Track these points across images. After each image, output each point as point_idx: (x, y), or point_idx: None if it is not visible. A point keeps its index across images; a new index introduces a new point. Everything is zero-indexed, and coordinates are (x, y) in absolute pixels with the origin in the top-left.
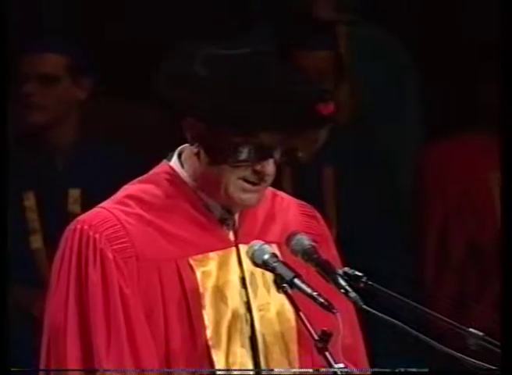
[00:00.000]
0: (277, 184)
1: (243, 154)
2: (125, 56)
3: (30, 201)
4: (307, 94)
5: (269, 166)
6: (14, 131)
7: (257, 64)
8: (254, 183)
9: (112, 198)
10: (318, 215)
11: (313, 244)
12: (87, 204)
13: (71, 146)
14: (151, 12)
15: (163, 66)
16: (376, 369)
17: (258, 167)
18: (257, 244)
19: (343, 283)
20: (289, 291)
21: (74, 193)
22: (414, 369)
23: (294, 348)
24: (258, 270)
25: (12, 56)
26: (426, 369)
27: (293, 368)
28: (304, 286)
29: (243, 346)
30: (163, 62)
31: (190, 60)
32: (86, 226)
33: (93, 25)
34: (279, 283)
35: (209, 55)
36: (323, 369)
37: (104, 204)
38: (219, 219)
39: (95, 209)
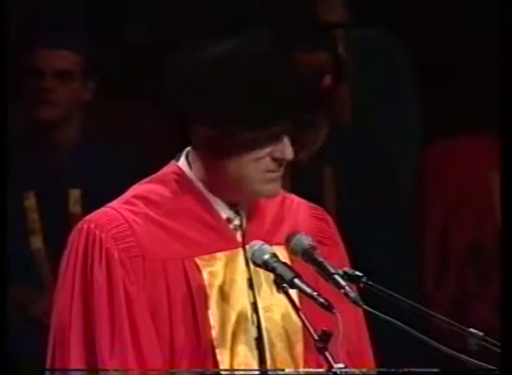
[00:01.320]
0: None
1: (259, 146)
2: (126, 57)
3: (30, 201)
4: (303, 74)
5: (289, 151)
6: (20, 128)
7: (250, 57)
8: (275, 172)
9: (120, 197)
10: (329, 218)
11: (313, 244)
12: (88, 204)
13: (72, 146)
14: (152, 13)
15: (167, 75)
16: (381, 369)
17: (278, 154)
18: (257, 244)
19: (343, 283)
20: (289, 291)
21: (75, 193)
22: (423, 369)
23: (299, 349)
24: (264, 271)
25: (27, 51)
26: (429, 370)
27: (299, 369)
28: (303, 286)
29: (248, 347)
30: (166, 72)
31: (191, 65)
32: (92, 226)
33: (97, 25)
34: (279, 283)
35: (209, 58)
36: (323, 370)
37: (112, 203)
38: (226, 220)
39: (102, 209)
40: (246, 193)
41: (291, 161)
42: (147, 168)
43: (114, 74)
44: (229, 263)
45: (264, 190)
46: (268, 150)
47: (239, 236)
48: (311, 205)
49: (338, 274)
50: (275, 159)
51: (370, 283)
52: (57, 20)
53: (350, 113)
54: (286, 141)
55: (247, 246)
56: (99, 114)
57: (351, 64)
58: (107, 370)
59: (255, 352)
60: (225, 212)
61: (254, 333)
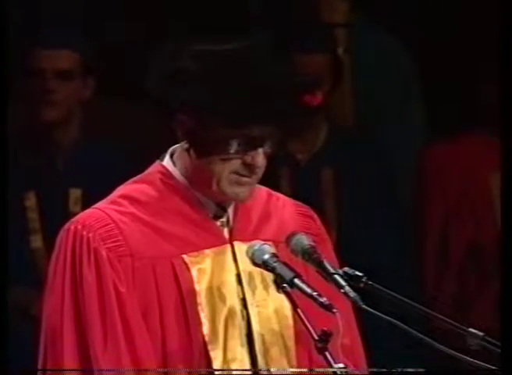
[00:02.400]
0: (276, 185)
1: (233, 147)
2: (126, 55)
3: (30, 200)
4: (294, 85)
5: (259, 158)
6: (20, 129)
7: (244, 57)
8: (244, 176)
9: (106, 198)
10: (315, 214)
11: (313, 244)
12: (88, 204)
13: (72, 146)
14: (152, 12)
15: (152, 64)
16: (374, 369)
17: (249, 159)
18: (257, 244)
19: (343, 283)
20: (289, 290)
21: (75, 193)
22: (413, 369)
23: (291, 344)
24: (254, 267)
25: (27, 52)
26: (426, 370)
27: (291, 365)
28: (303, 286)
29: (240, 342)
30: (151, 60)
31: (177, 56)
32: (79, 226)
33: (95, 24)
34: (279, 283)
35: (197, 51)
36: (323, 369)
37: (98, 204)
38: (213, 216)
39: (89, 210)
40: (214, 191)
41: (293, 161)
42: (146, 167)
43: (114, 73)
44: (217, 260)
45: (230, 191)
46: (239, 153)
47: (226, 232)
48: (296, 202)
49: (338, 274)
50: (245, 164)
51: (370, 283)
52: (56, 20)
53: (351, 114)
54: (260, 150)
55: (241, 243)
56: (99, 114)
57: (353, 65)
58: (102, 370)
59: (247, 347)
60: (211, 209)
61: (244, 328)
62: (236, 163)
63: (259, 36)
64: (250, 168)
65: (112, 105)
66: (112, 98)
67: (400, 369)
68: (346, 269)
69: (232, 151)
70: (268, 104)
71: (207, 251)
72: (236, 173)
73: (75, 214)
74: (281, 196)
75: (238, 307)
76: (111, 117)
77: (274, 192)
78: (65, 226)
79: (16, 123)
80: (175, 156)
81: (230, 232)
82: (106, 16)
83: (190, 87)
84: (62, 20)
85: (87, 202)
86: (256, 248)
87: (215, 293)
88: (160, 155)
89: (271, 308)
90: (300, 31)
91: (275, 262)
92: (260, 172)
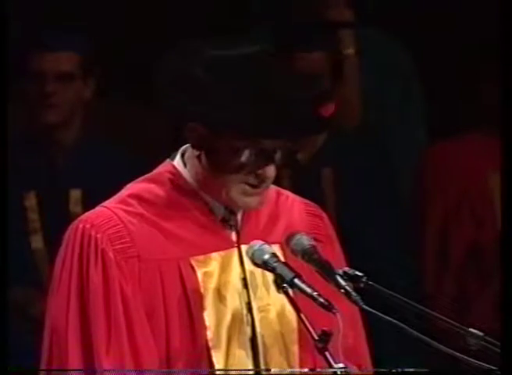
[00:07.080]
0: (276, 185)
1: (245, 158)
2: (126, 56)
3: (31, 201)
4: (307, 98)
5: (270, 170)
6: (21, 131)
7: (258, 67)
8: (254, 186)
9: (115, 196)
10: (323, 214)
11: (313, 244)
12: (89, 204)
13: (73, 146)
14: (152, 12)
15: (163, 71)
16: (376, 369)
17: (260, 171)
18: (257, 244)
19: (343, 283)
20: (290, 291)
21: (75, 193)
22: (414, 369)
23: (295, 349)
24: (259, 271)
25: (27, 54)
26: (426, 370)
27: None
28: (304, 286)
29: (243, 347)
30: (162, 66)
31: (190, 64)
32: (88, 226)
33: (96, 24)
34: (279, 283)
35: (210, 59)
36: (323, 370)
37: (107, 203)
38: (221, 220)
39: (98, 208)
40: (224, 199)
41: (291, 164)
42: (147, 167)
43: (114, 74)
44: (224, 263)
45: (241, 201)
46: (250, 163)
47: (234, 236)
48: (306, 201)
49: (338, 274)
50: (256, 175)
51: (370, 283)
52: (56, 22)
53: (351, 114)
54: (272, 164)
55: (247, 246)
56: (99, 114)
57: (353, 64)
58: (106, 371)
59: (250, 353)
60: (220, 212)
61: (248, 333)
62: (246, 174)
63: (261, 35)
64: (260, 178)
65: (112, 106)
66: (112, 98)
67: (400, 369)
68: (346, 269)
69: (243, 162)
70: (280, 119)
71: (213, 254)
72: (246, 183)
73: (75, 214)
74: (290, 195)
75: (243, 312)
76: (111, 118)
77: (283, 191)
78: (73, 225)
79: (17, 124)
80: (186, 156)
81: (238, 235)
82: (106, 16)
83: (200, 96)
84: (62, 22)
85: (88, 202)
86: (256, 248)
87: (221, 297)
88: (160, 155)
89: (275, 312)
90: (301, 30)
91: (275, 262)
92: (270, 181)
